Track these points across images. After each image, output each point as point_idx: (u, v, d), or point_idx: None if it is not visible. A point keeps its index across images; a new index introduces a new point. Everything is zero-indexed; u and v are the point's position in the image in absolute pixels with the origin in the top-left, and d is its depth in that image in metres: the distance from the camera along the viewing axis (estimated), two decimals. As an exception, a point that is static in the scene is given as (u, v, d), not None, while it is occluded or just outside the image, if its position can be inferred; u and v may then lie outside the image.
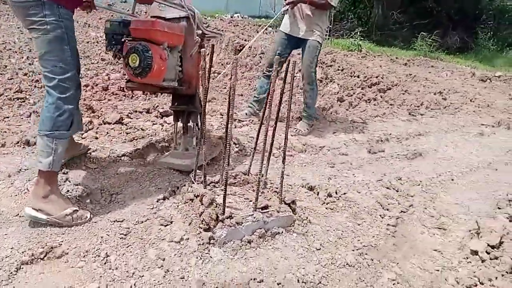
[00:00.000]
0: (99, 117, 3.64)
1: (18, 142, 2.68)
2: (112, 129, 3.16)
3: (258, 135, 2.43)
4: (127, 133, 3.11)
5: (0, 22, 7.15)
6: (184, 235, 1.98)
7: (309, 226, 2.25)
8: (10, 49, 5.75)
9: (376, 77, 6.33)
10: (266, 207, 2.20)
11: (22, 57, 5.32)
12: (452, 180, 3.16)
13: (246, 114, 4.02)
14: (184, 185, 2.38)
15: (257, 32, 7.85)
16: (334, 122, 4.11)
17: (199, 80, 2.66)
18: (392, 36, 14.35)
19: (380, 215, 2.46)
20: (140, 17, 2.47)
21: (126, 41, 2.41)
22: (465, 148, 3.82)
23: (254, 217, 2.09)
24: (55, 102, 1.99)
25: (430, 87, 5.89)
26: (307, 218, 2.31)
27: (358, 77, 6.52)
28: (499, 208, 2.74)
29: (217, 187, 2.38)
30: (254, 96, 4.09)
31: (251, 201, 2.25)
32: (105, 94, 4.62)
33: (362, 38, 11.04)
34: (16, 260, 1.69)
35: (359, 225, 2.36)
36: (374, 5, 14.72)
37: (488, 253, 2.12)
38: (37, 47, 1.99)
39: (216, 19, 11.22)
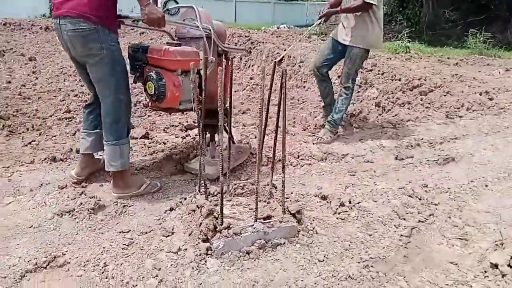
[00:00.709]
0: (146, 133, 3.83)
1: (45, 159, 2.87)
2: (136, 143, 3.29)
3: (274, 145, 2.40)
4: (148, 147, 3.22)
5: (60, 48, 7.77)
6: (183, 245, 2.01)
7: (314, 237, 2.19)
8: (65, 73, 6.23)
9: (419, 79, 6.04)
10: (268, 217, 2.18)
11: (75, 80, 5.73)
12: (486, 186, 2.92)
13: (330, 137, 3.75)
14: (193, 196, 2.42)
15: (299, 40, 7.82)
16: (361, 128, 3.97)
17: (226, 95, 2.74)
18: (445, 35, 13.68)
19: (394, 225, 2.34)
20: (156, 44, 2.57)
21: (145, 67, 2.56)
22: (506, 151, 3.51)
23: (254, 228, 2.07)
24: (114, 116, 2.37)
25: (476, 87, 5.50)
26: (313, 228, 2.25)
27: (399, 80, 6.26)
28: (536, 217, 2.50)
29: (224, 198, 2.39)
30: (323, 102, 4.11)
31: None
32: (146, 110, 4.84)
33: (411, 40, 10.60)
34: (21, 269, 1.81)
35: (370, 235, 2.25)
36: (423, 5, 14.13)
37: (511, 267, 1.93)
38: (94, 71, 2.31)
39: (259, 32, 11.34)
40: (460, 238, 2.28)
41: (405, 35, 10.48)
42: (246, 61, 8.90)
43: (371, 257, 2.05)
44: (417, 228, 2.31)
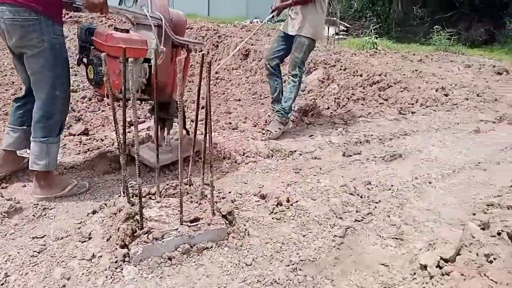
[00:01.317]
0: (86, 129, 3.65)
1: None
2: (71, 140, 3.11)
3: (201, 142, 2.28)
4: (84, 145, 3.05)
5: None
6: (99, 252, 1.87)
7: (246, 239, 2.09)
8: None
9: (379, 75, 6.05)
10: (196, 220, 2.06)
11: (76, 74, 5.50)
12: (430, 183, 2.90)
13: (279, 128, 3.71)
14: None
15: (252, 34, 7.72)
16: (312, 124, 3.91)
17: (175, 88, 2.64)
18: (413, 32, 13.86)
19: (330, 225, 2.27)
20: (103, 28, 2.45)
21: (91, 50, 2.45)
22: (454, 148, 3.52)
23: (178, 231, 1.95)
24: (45, 112, 2.21)
25: (433, 83, 5.54)
26: (246, 230, 2.15)
27: (360, 76, 6.27)
28: (473, 214, 2.47)
29: (153, 199, 2.27)
30: (271, 97, 4.03)
31: (187, 212, 2.13)
32: (100, 105, 4.64)
33: (380, 36, 10.67)
34: None
35: (304, 236, 2.17)
36: (392, 1, 14.25)
37: (441, 268, 1.88)
38: (31, 62, 2.16)
39: (229, 26, 11.17)
40: (395, 238, 2.22)
41: (373, 31, 10.52)
42: (212, 55, 8.75)
43: (301, 260, 1.96)
44: (352, 228, 2.24)
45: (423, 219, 2.44)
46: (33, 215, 2.17)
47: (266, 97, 5.58)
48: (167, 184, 2.36)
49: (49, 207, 2.27)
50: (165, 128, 2.89)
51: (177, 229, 1.96)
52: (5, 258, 1.81)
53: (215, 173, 2.83)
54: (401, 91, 5.22)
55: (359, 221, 2.33)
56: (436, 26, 11.32)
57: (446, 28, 11.26)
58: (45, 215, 2.20)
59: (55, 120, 2.27)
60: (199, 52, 8.88)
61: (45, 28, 2.10)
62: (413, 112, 4.31)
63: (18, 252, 1.86)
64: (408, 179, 2.92)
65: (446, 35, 10.90)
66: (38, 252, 1.87)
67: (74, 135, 3.23)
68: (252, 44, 8.50)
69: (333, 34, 9.81)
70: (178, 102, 2.70)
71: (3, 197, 2.26)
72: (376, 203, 2.58)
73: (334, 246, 2.09)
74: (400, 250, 2.11)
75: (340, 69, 6.72)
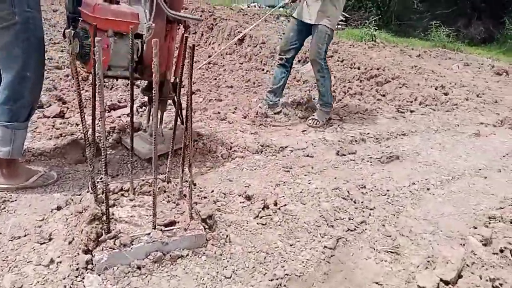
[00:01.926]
0: (68, 109, 3.39)
1: None
2: (44, 123, 2.85)
3: (174, 132, 2.05)
4: (57, 129, 2.79)
5: None
6: (59, 257, 1.65)
7: (226, 247, 1.88)
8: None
9: (377, 69, 5.83)
10: (171, 223, 1.85)
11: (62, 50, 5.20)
12: (428, 189, 2.72)
13: (260, 107, 3.69)
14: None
15: (259, 21, 7.42)
16: (306, 118, 3.68)
17: (170, 67, 2.45)
18: (412, 27, 13.63)
19: (320, 234, 2.07)
20: None
21: (79, 21, 2.23)
22: (454, 151, 3.33)
23: (150, 237, 1.73)
24: (12, 93, 1.98)
25: (433, 81, 5.35)
26: (227, 236, 1.94)
27: (358, 68, 6.05)
28: (475, 228, 2.30)
29: (125, 196, 2.04)
30: (269, 87, 3.84)
31: (162, 214, 1.92)
32: (84, 84, 4.35)
33: (378, 28, 10.41)
34: None
35: (291, 245, 1.97)
36: (393, -6, 13.98)
37: (440, 290, 1.70)
38: (1, 38, 1.91)
39: (226, 9, 10.82)
40: (391, 251, 2.04)
41: (373, 23, 10.27)
42: (207, 38, 8.44)
43: (286, 274, 1.76)
44: (344, 239, 2.05)
45: (420, 230, 2.26)
46: (-11, 209, 1.93)
47: (259, 85, 5.34)
48: (143, 180, 2.13)
49: (10, 199, 2.03)
50: (160, 117, 2.68)
51: (149, 233, 1.74)
52: (-52, 261, 1.58)
53: (199, 168, 2.61)
54: (400, 87, 5.01)
55: (351, 230, 2.13)
56: (434, 22, 11.12)
57: (445, 25, 11.06)
58: (4, 208, 1.96)
59: (23, 103, 2.02)
60: (192, 31, 8.59)
61: (17, 0, 1.87)
62: (411, 111, 4.11)
63: (-36, 254, 1.63)
64: (405, 184, 2.74)
65: (445, 31, 10.71)
66: (-11, 254, 1.64)
67: (48, 117, 2.97)
68: (246, 29, 8.19)
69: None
70: (171, 84, 2.56)
71: (-44, 186, 2.02)
72: (371, 209, 2.39)
73: (324, 259, 1.90)
74: (395, 267, 1.92)
75: (337, 61, 6.49)
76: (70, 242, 1.71)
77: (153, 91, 1.62)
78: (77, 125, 2.86)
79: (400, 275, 1.86)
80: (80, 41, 2.11)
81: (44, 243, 1.73)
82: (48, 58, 4.88)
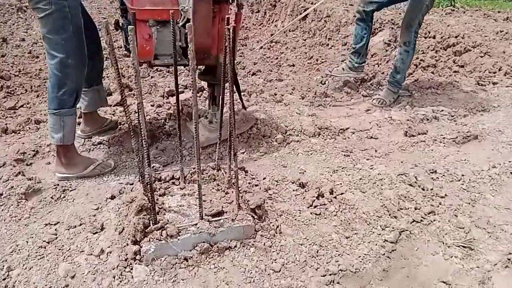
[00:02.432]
0: (133, 95, 3.51)
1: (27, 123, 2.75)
2: (105, 112, 2.94)
3: (221, 119, 1.97)
4: (117, 117, 2.87)
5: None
6: (109, 247, 1.68)
7: (276, 239, 1.79)
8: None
9: (456, 37, 5.26)
10: (219, 213, 1.80)
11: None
12: (512, 173, 2.38)
13: (343, 69, 3.53)
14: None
15: None
16: (370, 96, 3.41)
17: (223, 49, 2.35)
18: (499, -15, 12.17)
19: (380, 226, 1.89)
20: None
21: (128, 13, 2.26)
22: (546, 128, 2.89)
23: (198, 227, 1.69)
24: (56, 81, 2.05)
25: (522, 46, 4.69)
26: (278, 227, 1.84)
27: (433, 38, 5.51)
28: None
29: (176, 185, 2.02)
30: (352, 47, 3.55)
31: (211, 203, 1.87)
32: (149, 71, 4.48)
33: (459, -9, 9.41)
34: None
35: (347, 238, 1.83)
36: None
37: (522, 295, 1.46)
38: (42, 25, 2.01)
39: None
40: (463, 246, 1.81)
41: (452, -15, 9.31)
42: (270, 16, 8.26)
43: (340, 270, 1.63)
44: (408, 231, 1.85)
45: (500, 221, 1.98)
46: (51, 198, 2.02)
47: (322, 62, 5.10)
48: (193, 168, 2.10)
49: (69, 188, 2.12)
50: (216, 102, 2.60)
51: (196, 224, 1.70)
52: (12, 248, 1.67)
53: (252, 154, 2.53)
54: (481, 57, 4.46)
55: (417, 222, 1.92)
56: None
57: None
58: (64, 197, 2.05)
59: (67, 90, 2.09)
60: (255, 10, 8.44)
61: None
62: (494, 83, 3.63)
63: (26, 242, 1.71)
64: (483, 168, 2.42)
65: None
66: (48, 243, 1.71)
67: (110, 105, 3.06)
68: (311, 3, 7.85)
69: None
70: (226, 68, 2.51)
71: (24, 175, 2.14)
72: (442, 197, 2.14)
73: (384, 254, 1.73)
74: (467, 264, 1.70)
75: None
76: (120, 232, 1.73)
77: (192, 77, 1.54)
78: (135, 112, 2.91)
79: (472, 274, 1.64)
80: (125, 33, 2.14)
81: (96, 232, 1.76)
82: (118, 47, 5.05)
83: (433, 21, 6.45)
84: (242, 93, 2.89)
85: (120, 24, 2.43)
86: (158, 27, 2.16)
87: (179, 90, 3.45)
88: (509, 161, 2.48)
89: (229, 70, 1.62)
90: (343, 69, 3.53)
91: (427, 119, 3.01)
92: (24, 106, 3.14)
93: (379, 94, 3.34)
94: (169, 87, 3.50)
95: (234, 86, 2.61)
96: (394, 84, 3.31)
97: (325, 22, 6.90)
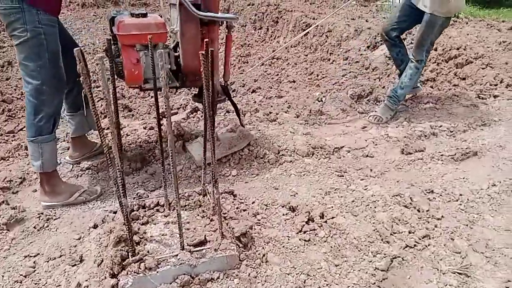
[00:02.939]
0: (133, 116, 3.52)
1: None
2: (97, 135, 2.91)
3: (205, 140, 1.92)
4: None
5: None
6: (87, 280, 1.62)
7: (262, 268, 1.71)
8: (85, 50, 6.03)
9: (457, 49, 5.18)
10: (202, 242, 1.73)
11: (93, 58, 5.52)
12: (513, 192, 2.28)
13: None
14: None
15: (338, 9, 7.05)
16: (367, 113, 3.34)
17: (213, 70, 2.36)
18: (504, -5, 12.10)
19: (372, 252, 1.81)
20: (123, 15, 2.24)
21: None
22: (549, 142, 2.78)
23: (178, 259, 1.63)
24: (32, 108, 2.04)
25: (525, 57, 4.60)
26: (264, 255, 1.77)
27: (435, 50, 5.44)
28: None
29: (160, 212, 1.97)
30: (397, 72, 3.63)
31: (194, 231, 1.81)
32: (149, 92, 4.47)
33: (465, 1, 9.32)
34: None
35: (336, 266, 1.75)
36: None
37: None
38: (18, 52, 2.01)
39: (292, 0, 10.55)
40: (459, 273, 1.71)
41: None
42: (272, 32, 8.29)
43: (328, 301, 1.55)
44: (400, 258, 1.76)
45: (500, 244, 1.89)
46: (34, 227, 1.98)
47: (323, 78, 5.07)
48: (179, 194, 2.04)
49: (53, 217, 2.07)
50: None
51: (176, 255, 1.64)
52: (-13, 283, 1.63)
53: (243, 175, 2.47)
54: (483, 68, 4.38)
55: (411, 247, 1.84)
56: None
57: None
58: (47, 227, 2.00)
59: (44, 116, 2.06)
60: (257, 27, 8.46)
61: (28, 17, 1.92)
62: (495, 96, 3.54)
63: (2, 276, 1.66)
64: (483, 186, 2.33)
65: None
66: (25, 276, 1.67)
67: (104, 128, 3.03)
68: (313, 18, 7.86)
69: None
70: (223, 87, 2.52)
71: (8, 204, 2.11)
72: (438, 219, 2.06)
73: (374, 284, 1.65)
74: (463, 294, 1.61)
75: (411, 43, 5.91)
76: (99, 265, 1.67)
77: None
78: (127, 135, 2.88)
79: (469, 305, 1.55)
80: (113, 59, 2.11)
81: (75, 265, 1.71)
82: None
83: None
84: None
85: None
86: (146, 51, 2.16)
87: (173, 111, 3.45)
88: (510, 179, 2.38)
89: (207, 94, 1.57)
90: (390, 115, 3.37)
91: (425, 136, 2.93)
92: (23, 129, 3.15)
93: (375, 111, 3.27)
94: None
95: (232, 104, 2.62)
96: (394, 99, 3.25)
97: (327, 37, 6.89)
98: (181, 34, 2.29)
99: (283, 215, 2.07)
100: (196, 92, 2.67)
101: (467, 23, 7.74)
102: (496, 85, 3.80)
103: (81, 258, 1.74)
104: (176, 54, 2.35)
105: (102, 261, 1.68)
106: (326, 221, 1.99)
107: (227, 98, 2.59)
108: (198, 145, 2.63)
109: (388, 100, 3.27)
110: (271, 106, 3.50)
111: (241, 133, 2.71)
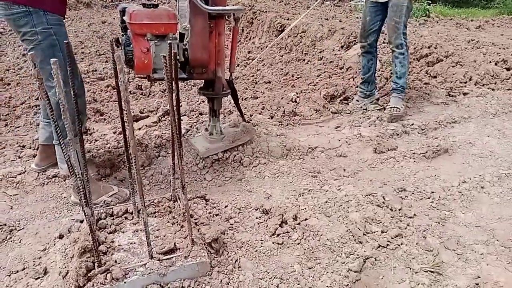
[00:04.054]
0: (104, 120, 3.41)
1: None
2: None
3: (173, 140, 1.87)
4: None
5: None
6: (51, 294, 1.55)
7: (235, 274, 1.68)
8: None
9: (428, 47, 5.29)
10: (172, 250, 1.68)
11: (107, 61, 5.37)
12: (482, 188, 2.32)
13: (357, 100, 3.59)
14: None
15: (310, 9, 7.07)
16: (340, 113, 3.36)
17: (221, 63, 2.43)
18: (473, -5, 12.42)
19: (345, 253, 1.80)
20: (133, 5, 2.21)
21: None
22: (516, 139, 2.85)
23: (146, 268, 1.58)
24: (58, 111, 1.91)
25: (493, 55, 4.70)
26: (236, 260, 1.74)
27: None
28: (541, 235, 1.90)
29: (129, 219, 1.91)
30: (361, 78, 3.66)
31: (164, 239, 1.76)
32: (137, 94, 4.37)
33: (433, 1, 9.52)
34: None
35: (309, 268, 1.73)
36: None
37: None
38: (33, 59, 1.86)
39: (267, 0, 10.54)
40: (431, 271, 1.72)
41: (425, -4, 9.44)
42: (247, 33, 8.27)
43: (301, 305, 1.53)
44: (373, 258, 1.76)
45: (470, 240, 1.91)
46: (-4, 239, 1.89)
47: (298, 78, 5.07)
48: (148, 201, 1.99)
49: (17, 228, 1.98)
50: (216, 115, 2.65)
51: (145, 264, 1.59)
52: None
53: (217, 179, 2.43)
54: (453, 66, 4.47)
55: (383, 247, 1.84)
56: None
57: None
58: (10, 238, 1.92)
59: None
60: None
61: (36, 19, 1.92)
62: (465, 93, 3.61)
63: (-40, 293, 1.58)
64: (454, 184, 2.36)
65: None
66: (-17, 292, 1.58)
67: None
68: (288, 19, 7.87)
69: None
70: (228, 81, 2.52)
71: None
72: (410, 218, 2.07)
73: (347, 285, 1.63)
74: (435, 291, 1.61)
75: (384, 42, 5.98)
76: (64, 277, 1.61)
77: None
78: (96, 141, 2.80)
79: (440, 303, 1.55)
80: (124, 48, 2.15)
81: (38, 278, 1.64)
82: (92, 70, 4.96)
83: (408, 32, 6.48)
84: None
85: (120, 41, 2.38)
86: (156, 41, 2.16)
87: (145, 114, 3.37)
88: (480, 175, 2.43)
89: (170, 97, 1.52)
90: (357, 100, 3.59)
91: (397, 134, 2.96)
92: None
93: (388, 104, 3.35)
94: (133, 111, 3.39)
95: (233, 99, 2.62)
96: (399, 90, 3.34)
97: (301, 38, 6.91)
98: (190, 26, 2.27)
99: (257, 218, 2.05)
100: (202, 85, 2.66)
101: (437, 22, 7.92)
102: (465, 82, 3.88)
103: (45, 270, 1.66)
104: (184, 46, 2.34)
105: (67, 272, 1.61)
106: (299, 223, 1.97)
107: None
108: (201, 138, 2.70)
109: (395, 91, 3.35)
110: (245, 108, 3.47)
111: (245, 128, 2.77)
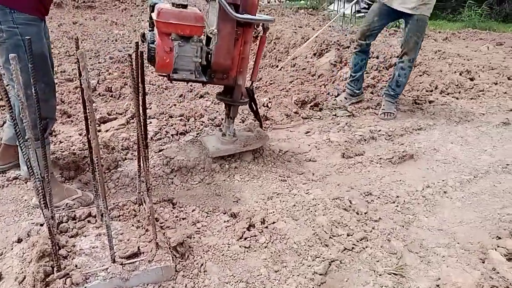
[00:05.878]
0: (72, 122, 3.30)
1: None
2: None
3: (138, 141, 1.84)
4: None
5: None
6: (6, 300, 1.48)
7: (200, 278, 1.66)
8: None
9: (397, 57, 5.43)
10: (135, 254, 1.64)
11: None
12: (445, 193, 2.39)
13: (345, 98, 3.72)
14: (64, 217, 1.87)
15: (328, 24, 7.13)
16: (310, 119, 3.39)
17: (243, 71, 2.41)
18: (439, 8, 12.86)
19: (311, 256, 1.81)
20: (164, 3, 2.15)
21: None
22: (478, 145, 2.95)
23: (108, 272, 1.54)
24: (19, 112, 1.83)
25: (458, 65, 4.89)
26: (202, 265, 1.72)
27: (377, 58, 5.66)
28: (498, 238, 1.97)
29: (92, 223, 1.86)
30: (351, 75, 3.74)
31: (128, 243, 1.72)
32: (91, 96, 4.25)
33: (403, 13, 9.81)
34: None
35: (276, 272, 1.72)
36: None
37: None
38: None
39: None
40: (394, 273, 1.75)
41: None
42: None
43: (265, 309, 1.52)
44: (338, 261, 1.77)
45: (433, 243, 1.96)
46: (-50, 244, 1.80)
47: (270, 84, 5.07)
48: (113, 204, 1.94)
49: (-27, 231, 1.89)
50: (230, 116, 2.63)
51: (107, 269, 1.55)
52: None
53: (186, 183, 2.41)
54: (420, 76, 4.61)
55: (349, 250, 1.86)
56: (469, 1, 10.37)
57: (476, 2, 10.32)
58: (-35, 243, 1.83)
59: (31, 122, 1.91)
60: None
61: (2, 17, 1.80)
62: (430, 101, 3.73)
63: None
64: (418, 188, 2.42)
65: (478, 9, 9.99)
66: None
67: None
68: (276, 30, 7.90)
69: (354, 12, 9.02)
70: (248, 89, 2.49)
71: None
72: (375, 221, 2.10)
73: (312, 288, 1.64)
74: (397, 294, 1.64)
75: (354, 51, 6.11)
76: (20, 282, 1.54)
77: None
78: (60, 142, 2.72)
79: (402, 305, 1.58)
80: (148, 44, 2.15)
81: (-7, 283, 1.56)
82: (61, 71, 4.82)
83: (377, 41, 6.66)
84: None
85: (146, 36, 2.34)
86: (180, 41, 2.15)
87: (112, 116, 3.30)
88: (443, 180, 2.50)
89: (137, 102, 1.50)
90: (345, 98, 3.72)
91: (365, 140, 3.01)
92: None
93: (383, 109, 3.46)
94: (100, 113, 3.32)
95: (253, 106, 2.60)
96: (394, 96, 3.48)
97: (275, 44, 6.96)
98: (217, 31, 2.24)
99: (224, 222, 2.03)
100: (221, 91, 2.65)
101: (406, 33, 8.11)
102: (431, 91, 4.00)
103: (0, 276, 1.59)
104: (208, 49, 2.31)
105: (24, 278, 1.55)
106: (267, 227, 1.97)
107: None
108: (214, 138, 2.69)
109: (390, 97, 3.50)
110: (217, 112, 3.46)
111: (258, 133, 2.76)
